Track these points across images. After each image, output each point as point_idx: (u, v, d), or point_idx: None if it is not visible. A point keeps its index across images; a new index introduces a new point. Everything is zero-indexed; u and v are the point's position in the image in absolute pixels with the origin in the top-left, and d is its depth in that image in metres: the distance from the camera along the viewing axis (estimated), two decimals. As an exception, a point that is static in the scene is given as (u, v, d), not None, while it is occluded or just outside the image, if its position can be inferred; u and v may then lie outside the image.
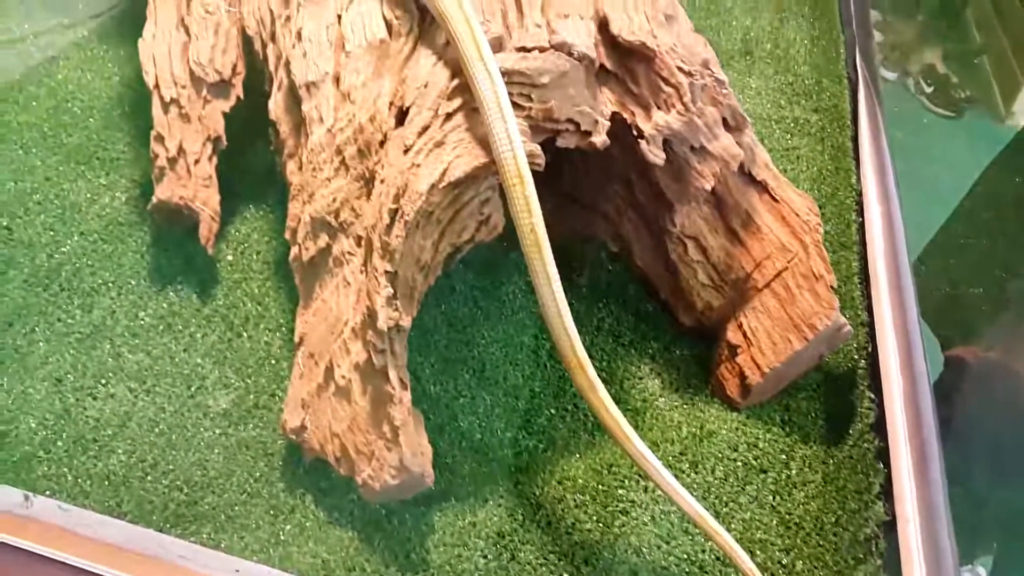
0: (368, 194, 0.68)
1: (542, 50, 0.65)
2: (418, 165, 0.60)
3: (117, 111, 1.04)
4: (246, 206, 0.93)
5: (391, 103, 0.66)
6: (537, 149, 0.61)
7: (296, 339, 0.71)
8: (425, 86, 0.64)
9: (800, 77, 1.21)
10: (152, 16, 0.89)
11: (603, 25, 0.70)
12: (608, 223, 0.86)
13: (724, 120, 0.72)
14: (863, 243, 0.87)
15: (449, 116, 0.62)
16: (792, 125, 1.11)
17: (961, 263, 1.03)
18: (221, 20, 0.86)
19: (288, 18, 0.79)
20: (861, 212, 0.92)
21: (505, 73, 0.61)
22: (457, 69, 0.64)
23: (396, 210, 0.60)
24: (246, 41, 0.87)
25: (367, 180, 0.68)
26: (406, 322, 0.62)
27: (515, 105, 0.62)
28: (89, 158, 0.97)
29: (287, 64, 0.78)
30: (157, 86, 0.84)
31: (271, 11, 0.83)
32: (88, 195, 0.92)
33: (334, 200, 0.69)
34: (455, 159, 0.60)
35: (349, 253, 0.68)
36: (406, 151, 0.61)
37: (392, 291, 0.61)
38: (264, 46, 0.84)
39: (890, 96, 1.24)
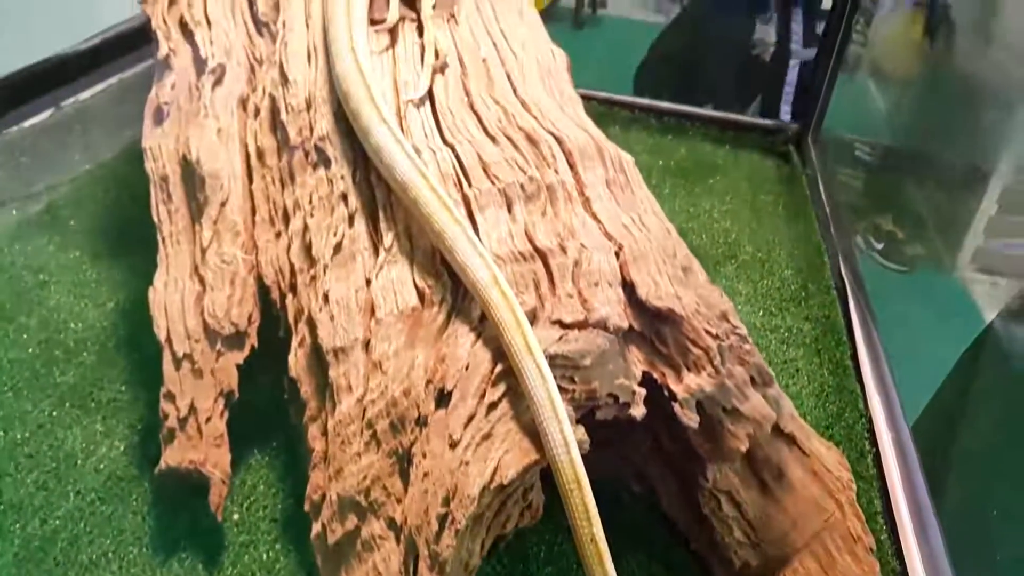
0: (401, 471, 0.66)
1: (580, 327, 0.66)
2: (467, 463, 0.58)
3: (112, 342, 1.02)
4: (250, 451, 0.90)
5: (429, 381, 0.66)
6: (584, 436, 0.61)
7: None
8: (466, 368, 0.64)
9: (786, 282, 1.25)
10: (164, 263, 0.88)
11: (630, 289, 0.72)
12: (630, 464, 0.85)
13: (751, 378, 0.73)
14: (881, 478, 0.88)
15: (494, 404, 0.61)
16: (786, 335, 1.13)
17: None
18: (238, 269, 0.86)
19: (313, 277, 0.79)
20: (873, 439, 0.92)
21: (548, 357, 0.62)
22: (498, 350, 0.64)
23: (446, 515, 0.57)
24: (261, 287, 0.87)
25: (401, 457, 0.66)
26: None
27: (559, 388, 0.62)
28: (84, 400, 0.93)
29: (310, 322, 0.77)
30: (169, 340, 0.82)
31: (291, 263, 0.83)
32: (84, 445, 0.88)
33: (364, 478, 0.67)
34: (505, 455, 0.59)
35: (380, 537, 0.65)
36: (453, 446, 0.60)
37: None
38: (282, 296, 0.84)
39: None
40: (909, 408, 0.95)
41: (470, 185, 0.77)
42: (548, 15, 4.24)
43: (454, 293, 0.71)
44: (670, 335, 0.71)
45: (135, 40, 1.53)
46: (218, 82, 0.95)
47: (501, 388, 0.62)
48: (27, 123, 1.37)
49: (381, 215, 0.78)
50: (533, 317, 0.67)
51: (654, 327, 0.71)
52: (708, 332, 0.70)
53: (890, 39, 3.56)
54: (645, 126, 1.71)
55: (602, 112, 1.69)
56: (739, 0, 2.70)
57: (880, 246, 3.00)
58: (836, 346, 1.09)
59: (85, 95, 1.47)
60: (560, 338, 0.64)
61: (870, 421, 0.95)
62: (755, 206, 1.45)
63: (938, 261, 2.99)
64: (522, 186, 0.77)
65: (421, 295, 0.72)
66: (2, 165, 1.29)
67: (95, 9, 1.58)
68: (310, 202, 0.83)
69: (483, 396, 0.61)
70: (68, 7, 1.58)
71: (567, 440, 0.56)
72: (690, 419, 0.69)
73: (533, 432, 0.59)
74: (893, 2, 3.50)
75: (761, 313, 1.17)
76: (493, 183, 0.77)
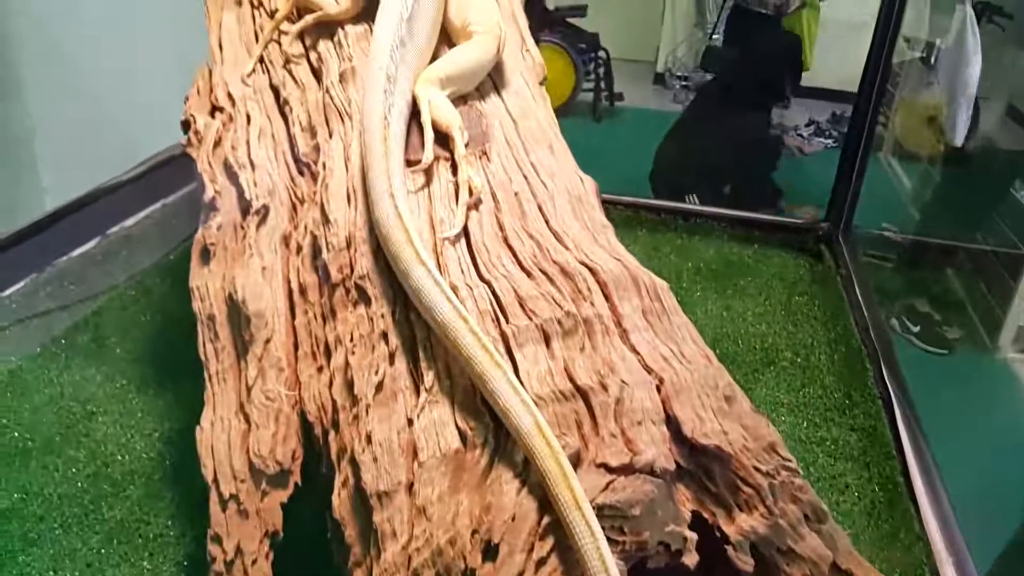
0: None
1: (626, 471, 0.66)
2: (518, 627, 0.58)
3: (159, 475, 1.03)
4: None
5: (475, 531, 0.65)
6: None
7: None
8: (513, 519, 0.64)
9: (828, 390, 1.23)
10: (210, 402, 0.90)
11: (674, 425, 0.71)
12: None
13: (805, 515, 0.71)
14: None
15: (543, 560, 0.61)
16: (833, 448, 1.11)
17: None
18: (282, 406, 0.87)
19: (356, 416, 0.80)
20: (933, 567, 0.89)
21: (596, 508, 0.61)
22: (544, 499, 0.63)
23: None
24: (304, 422, 0.88)
25: (449, 609, 0.65)
26: None
27: (608, 540, 0.61)
28: (132, 536, 0.94)
29: (353, 462, 0.78)
30: (216, 481, 0.83)
31: (333, 399, 0.84)
32: (131, 586, 0.88)
33: (414, 629, 0.66)
34: (557, 614, 0.58)
35: None
36: (504, 604, 0.59)
37: None
38: (325, 433, 0.84)
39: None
40: (965, 527, 0.92)
41: (508, 321, 0.78)
42: (567, 109, 4.37)
43: (496, 435, 0.71)
44: (719, 473, 0.70)
45: (178, 165, 1.60)
46: (262, 221, 0.98)
47: (549, 542, 0.61)
48: (75, 252, 1.43)
49: (421, 353, 0.79)
50: (577, 460, 0.67)
51: (702, 464, 0.70)
52: (758, 469, 0.69)
53: (913, 119, 3.60)
54: (672, 228, 1.73)
55: (628, 216, 1.72)
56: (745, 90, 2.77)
57: (917, 329, 2.96)
58: (885, 459, 1.07)
59: (130, 222, 1.53)
60: (607, 486, 0.64)
61: (928, 545, 0.92)
62: (790, 308, 1.45)
63: (978, 342, 2.94)
64: (559, 321, 0.78)
65: (463, 437, 0.72)
66: (51, 295, 1.33)
67: (139, 138, 1.66)
68: (351, 339, 0.85)
69: (531, 551, 0.61)
70: (114, 138, 1.67)
71: (619, 600, 0.56)
72: (745, 563, 0.68)
73: (583, 587, 0.58)
74: (914, 82, 3.56)
75: (805, 424, 1.16)
76: (531, 319, 0.78)
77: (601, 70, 4.55)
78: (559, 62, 4.35)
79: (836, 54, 4.33)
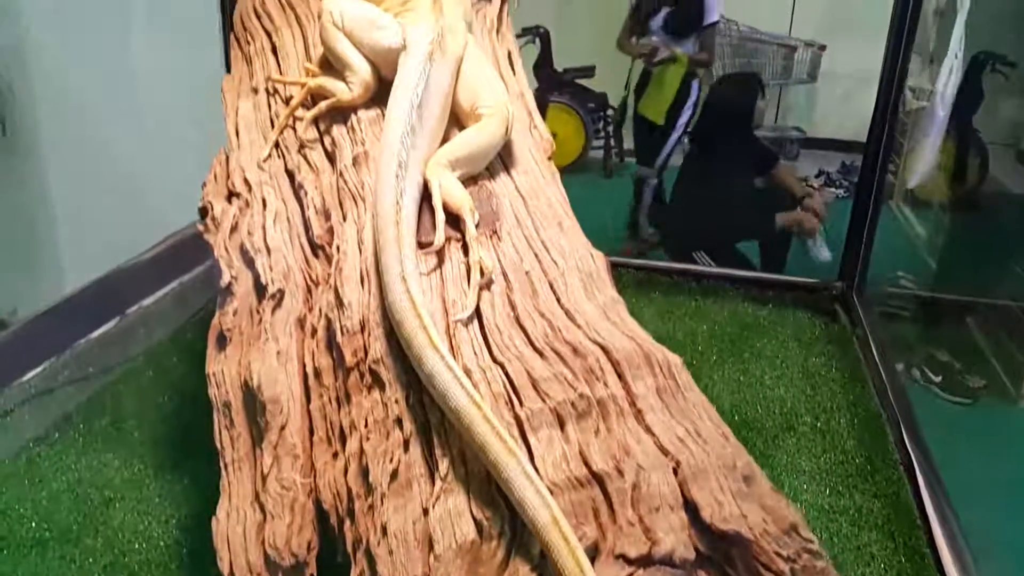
0: None
1: (645, 563, 0.65)
2: None
3: (175, 563, 1.02)
4: None
5: (494, 627, 0.64)
6: None
7: None
8: (531, 616, 0.63)
9: (849, 455, 1.22)
10: (226, 492, 0.90)
11: (692, 510, 0.70)
12: None
13: (829, 600, 0.70)
14: None
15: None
16: (856, 516, 1.09)
17: None
18: (297, 495, 0.87)
19: (371, 506, 0.79)
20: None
21: (616, 603, 0.60)
22: (563, 594, 0.62)
23: None
24: (319, 510, 0.87)
25: None
26: None
27: (630, 636, 0.60)
28: (148, 630, 0.93)
29: (368, 553, 0.77)
30: (232, 574, 0.82)
31: (348, 487, 0.84)
32: None
33: None
34: None
35: None
36: None
37: None
38: (340, 522, 0.84)
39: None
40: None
41: (521, 404, 0.78)
42: (577, 167, 4.42)
43: (512, 524, 0.71)
44: (739, 558, 0.69)
45: (196, 243, 1.63)
46: (277, 305, 1.00)
47: (568, 639, 0.60)
48: (95, 334, 1.45)
49: (436, 440, 0.79)
50: (595, 550, 0.66)
51: (722, 551, 0.69)
52: (779, 555, 0.68)
53: (924, 167, 3.61)
54: (685, 290, 1.73)
55: (641, 279, 1.72)
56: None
57: (939, 379, 2.91)
58: (910, 528, 1.05)
59: (148, 301, 1.55)
60: (626, 581, 0.63)
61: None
62: (807, 370, 1.44)
63: (1002, 391, 2.88)
64: (573, 404, 0.78)
65: (479, 527, 0.71)
66: (71, 379, 1.35)
67: (159, 216, 1.70)
68: (366, 424, 0.85)
69: (551, 648, 0.60)
70: (134, 216, 1.70)
71: None
72: (768, 651, 0.66)
73: None
74: (922, 131, 3.58)
75: (827, 492, 1.14)
76: (544, 401, 0.78)
77: (610, 128, 4.62)
78: (569, 122, 4.42)
79: (843, 105, 4.39)
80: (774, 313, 1.64)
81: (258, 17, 1.23)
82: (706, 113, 2.96)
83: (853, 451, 1.22)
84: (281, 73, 1.16)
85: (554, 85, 4.32)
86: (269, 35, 1.21)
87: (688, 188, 2.79)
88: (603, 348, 0.84)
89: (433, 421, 0.80)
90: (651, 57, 2.98)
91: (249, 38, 1.23)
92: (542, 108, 3.79)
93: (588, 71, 4.62)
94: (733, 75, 3.83)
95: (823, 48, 4.34)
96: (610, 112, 4.62)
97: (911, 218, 3.65)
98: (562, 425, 0.77)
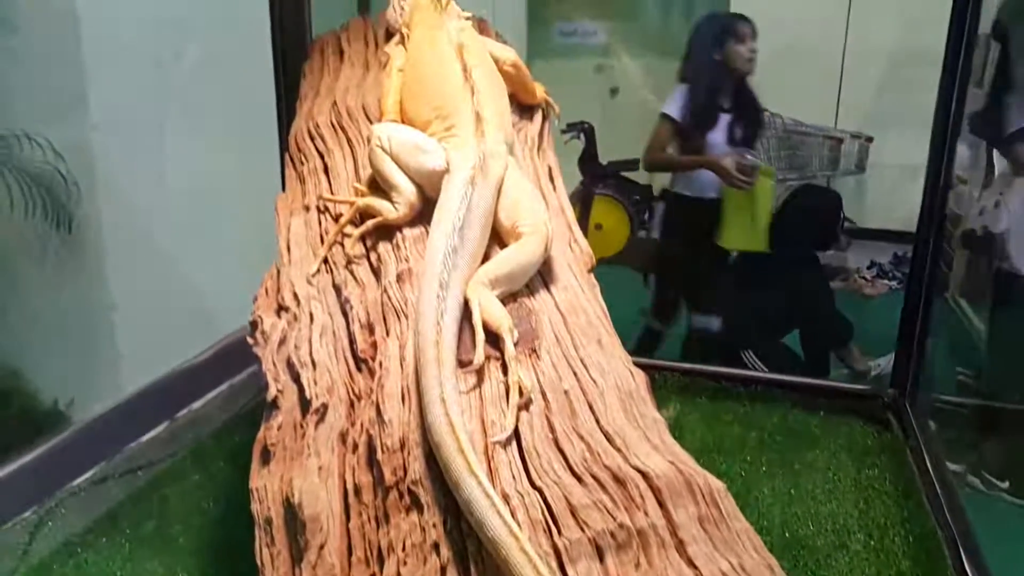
0: None
1: None
2: None
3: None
4: None
5: None
6: None
7: None
8: None
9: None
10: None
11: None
12: None
13: None
14: None
15: None
16: (918, 649, 1.03)
17: None
18: (333, 620, 0.86)
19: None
20: None
21: None
22: None
23: None
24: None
25: None
26: None
27: None
28: None
29: None
30: None
31: (384, 613, 0.83)
32: None
33: None
34: None
35: None
36: None
37: None
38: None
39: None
40: None
41: (560, 533, 0.77)
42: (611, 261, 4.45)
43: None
44: None
45: (244, 348, 1.67)
46: (321, 420, 1.01)
47: None
48: (144, 438, 1.48)
49: (472, 568, 0.78)
50: None
51: None
52: None
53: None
54: (732, 395, 1.70)
55: (685, 384, 1.70)
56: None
57: (1006, 484, 2.78)
58: (977, 664, 0.99)
59: (197, 404, 1.59)
60: None
61: None
62: (860, 483, 1.39)
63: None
64: (612, 534, 0.77)
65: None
66: (119, 483, 1.37)
67: (210, 320, 1.76)
68: (403, 548, 0.85)
69: None
70: (186, 321, 1.76)
71: None
72: None
73: None
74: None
75: (883, 619, 1.08)
76: (583, 530, 0.77)
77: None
78: (614, 212, 4.47)
79: (892, 195, 4.36)
80: (825, 420, 1.59)
81: (312, 139, 1.29)
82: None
83: (909, 572, 1.16)
84: (332, 192, 1.21)
85: (599, 177, 4.40)
86: (322, 156, 1.27)
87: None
88: (643, 474, 0.83)
89: (471, 549, 0.80)
90: (745, 174, 2.69)
91: (303, 159, 1.29)
92: (588, 200, 3.85)
93: (632, 164, 4.70)
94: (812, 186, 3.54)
95: (870, 140, 4.34)
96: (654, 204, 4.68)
97: (969, 312, 3.55)
98: (601, 556, 0.76)
